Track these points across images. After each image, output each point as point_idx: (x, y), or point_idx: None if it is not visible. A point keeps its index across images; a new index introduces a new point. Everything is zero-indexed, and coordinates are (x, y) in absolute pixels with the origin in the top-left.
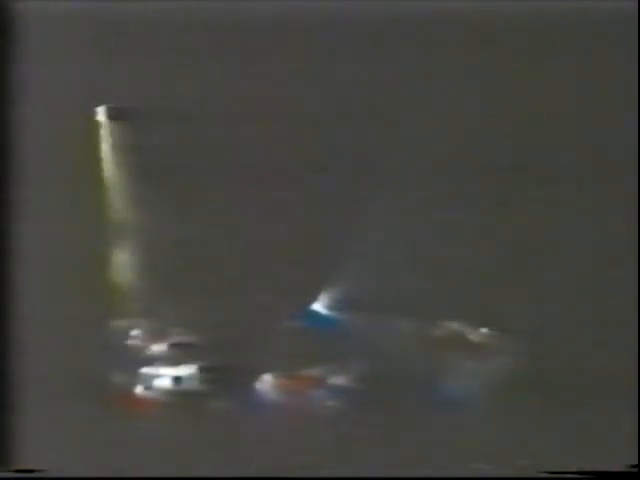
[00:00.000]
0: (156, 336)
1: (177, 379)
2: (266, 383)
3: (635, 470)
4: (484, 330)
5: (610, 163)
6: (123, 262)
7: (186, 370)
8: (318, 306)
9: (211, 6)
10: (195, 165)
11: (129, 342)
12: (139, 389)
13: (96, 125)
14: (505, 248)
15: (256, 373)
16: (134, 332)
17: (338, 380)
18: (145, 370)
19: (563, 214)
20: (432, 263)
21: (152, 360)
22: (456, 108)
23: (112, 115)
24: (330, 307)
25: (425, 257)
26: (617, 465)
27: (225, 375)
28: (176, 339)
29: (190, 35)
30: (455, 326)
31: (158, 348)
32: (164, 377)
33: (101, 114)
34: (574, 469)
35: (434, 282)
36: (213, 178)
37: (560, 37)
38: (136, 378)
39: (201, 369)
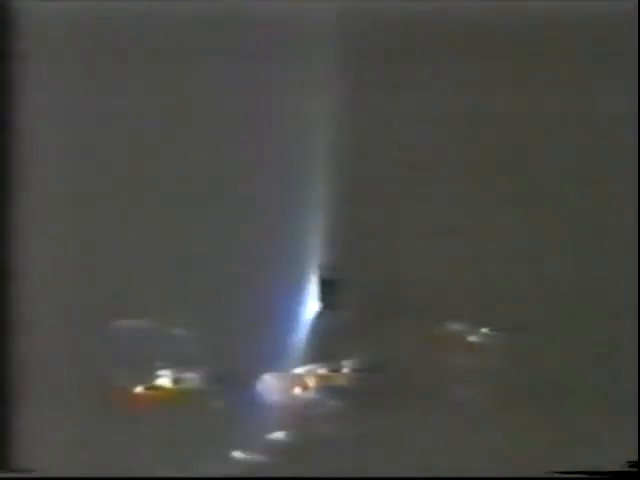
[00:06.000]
0: (156, 336)
1: (177, 379)
2: (266, 383)
3: (635, 470)
4: (484, 330)
5: (610, 163)
6: (123, 262)
7: (186, 370)
8: (318, 305)
9: (213, 6)
10: (194, 166)
11: (129, 342)
12: (139, 389)
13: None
14: (505, 248)
15: (256, 373)
16: (134, 332)
17: (338, 380)
18: (145, 370)
19: (563, 214)
20: (432, 263)
21: (152, 360)
22: (456, 108)
23: None
24: (330, 306)
25: (425, 257)
26: (617, 465)
27: (225, 375)
28: (177, 339)
29: (191, 35)
30: (455, 326)
31: (159, 348)
32: (164, 377)
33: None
34: (574, 469)
35: (434, 282)
36: (212, 178)
37: (560, 37)
38: (136, 378)
39: (201, 369)
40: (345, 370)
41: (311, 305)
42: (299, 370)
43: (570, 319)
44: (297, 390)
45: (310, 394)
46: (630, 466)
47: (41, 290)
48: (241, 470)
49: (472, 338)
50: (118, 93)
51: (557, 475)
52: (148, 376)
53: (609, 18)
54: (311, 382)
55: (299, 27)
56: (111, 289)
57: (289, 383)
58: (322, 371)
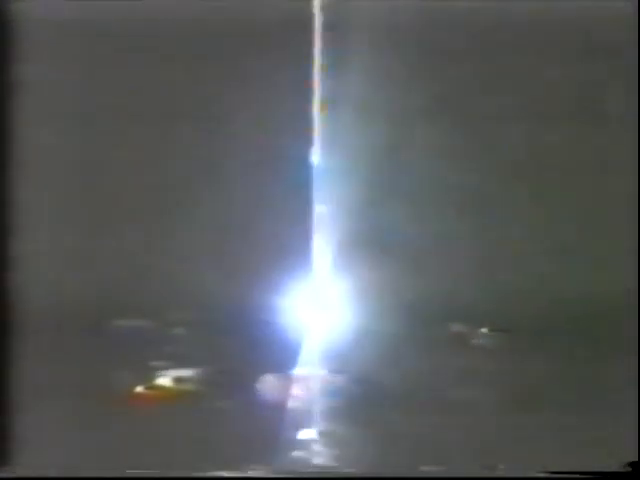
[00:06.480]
0: (156, 336)
1: (177, 379)
2: (266, 383)
3: (635, 470)
4: (484, 330)
5: (610, 163)
6: (123, 261)
7: (186, 370)
8: (318, 305)
9: (213, 7)
10: (195, 165)
11: (129, 342)
12: (139, 389)
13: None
14: (505, 248)
15: (256, 373)
16: (134, 332)
17: (338, 380)
18: (145, 370)
19: (563, 215)
20: (431, 263)
21: (152, 360)
22: (455, 107)
23: None
24: (330, 307)
25: (424, 257)
26: (617, 465)
27: (225, 375)
28: (177, 339)
29: (191, 36)
30: (455, 326)
31: (159, 348)
32: (164, 377)
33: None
34: (574, 469)
35: (433, 282)
36: (212, 179)
37: (560, 37)
38: (136, 378)
39: (201, 369)
40: (345, 370)
41: (311, 305)
42: (299, 370)
43: (570, 319)
44: (297, 390)
45: (310, 394)
46: (630, 466)
47: (40, 289)
48: (241, 470)
49: (472, 338)
50: (118, 93)
51: (556, 475)
52: (148, 376)
53: (609, 18)
54: (311, 382)
55: (302, 26)
56: (111, 289)
57: (289, 383)
58: (322, 371)
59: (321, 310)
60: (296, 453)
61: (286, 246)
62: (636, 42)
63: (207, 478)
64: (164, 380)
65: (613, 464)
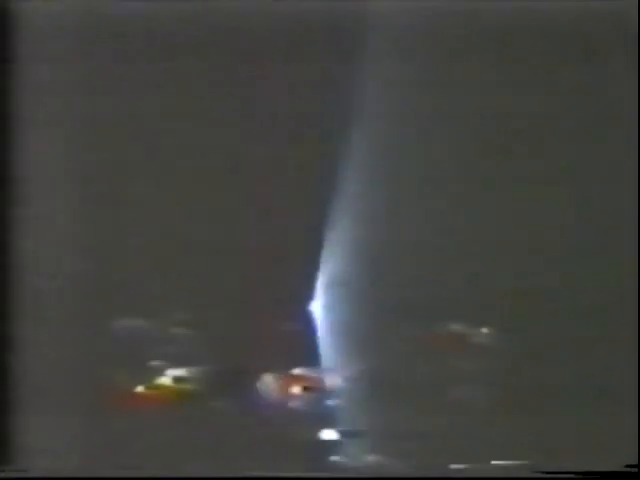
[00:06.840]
0: (156, 336)
1: (177, 379)
2: (266, 383)
3: (635, 470)
4: (484, 330)
5: (610, 164)
6: (124, 261)
7: (186, 370)
8: (318, 306)
9: (212, 6)
10: (194, 166)
11: (129, 342)
12: (139, 389)
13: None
14: (506, 249)
15: (256, 373)
16: (134, 332)
17: (338, 380)
18: (145, 370)
19: (563, 215)
20: (431, 263)
21: (152, 360)
22: (455, 107)
23: None
24: (330, 307)
25: (424, 257)
26: (617, 465)
27: (225, 375)
28: (177, 338)
29: (190, 36)
30: (455, 326)
31: (159, 348)
32: (164, 377)
33: None
34: (574, 469)
35: (435, 282)
36: (212, 179)
37: (560, 37)
38: (136, 378)
39: (201, 369)
40: (344, 370)
41: (312, 305)
42: (299, 370)
43: (570, 319)
44: (297, 390)
45: (310, 394)
46: (630, 467)
47: (41, 290)
48: (241, 470)
49: (472, 338)
50: (118, 93)
51: (555, 476)
52: (148, 376)
53: (609, 18)
54: (311, 382)
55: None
56: (111, 288)
57: (289, 383)
58: (322, 371)
59: (321, 310)
60: (296, 452)
61: (288, 248)
62: (636, 42)
63: (207, 478)
64: (164, 380)
65: (613, 464)
